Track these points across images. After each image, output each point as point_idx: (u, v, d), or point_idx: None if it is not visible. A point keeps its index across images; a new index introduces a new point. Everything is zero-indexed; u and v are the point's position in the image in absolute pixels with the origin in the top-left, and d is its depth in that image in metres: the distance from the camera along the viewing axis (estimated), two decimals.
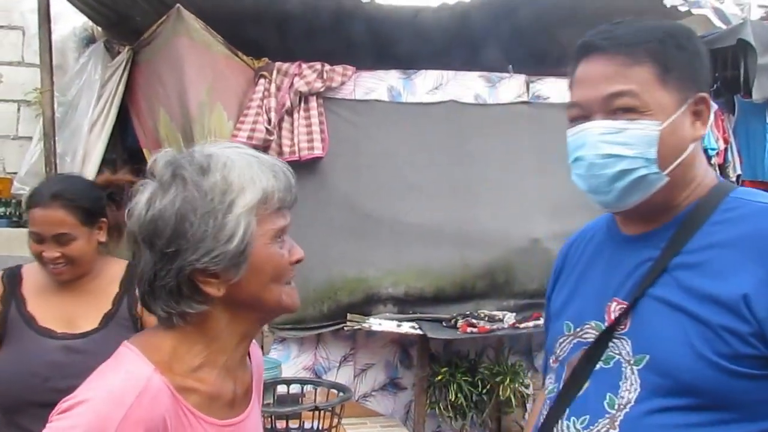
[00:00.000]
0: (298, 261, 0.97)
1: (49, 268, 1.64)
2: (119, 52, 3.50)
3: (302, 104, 3.28)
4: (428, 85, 3.49)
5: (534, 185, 3.49)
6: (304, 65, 3.33)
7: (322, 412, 2.37)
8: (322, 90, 3.30)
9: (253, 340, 1.10)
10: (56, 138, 3.35)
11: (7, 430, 1.61)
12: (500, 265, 3.34)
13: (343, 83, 3.37)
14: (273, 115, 3.21)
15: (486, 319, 3.10)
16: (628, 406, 0.93)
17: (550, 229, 3.34)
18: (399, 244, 3.29)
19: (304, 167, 3.25)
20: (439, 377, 3.15)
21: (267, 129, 3.18)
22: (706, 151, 3.80)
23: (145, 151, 3.49)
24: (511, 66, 3.61)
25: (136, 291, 1.61)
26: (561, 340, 1.08)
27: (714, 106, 3.80)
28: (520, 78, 3.60)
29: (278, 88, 3.27)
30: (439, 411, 3.18)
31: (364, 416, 3.12)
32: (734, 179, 4.00)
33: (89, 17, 3.72)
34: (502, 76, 3.59)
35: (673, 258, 0.94)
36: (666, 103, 0.95)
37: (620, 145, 0.95)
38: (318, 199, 3.29)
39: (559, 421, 1.02)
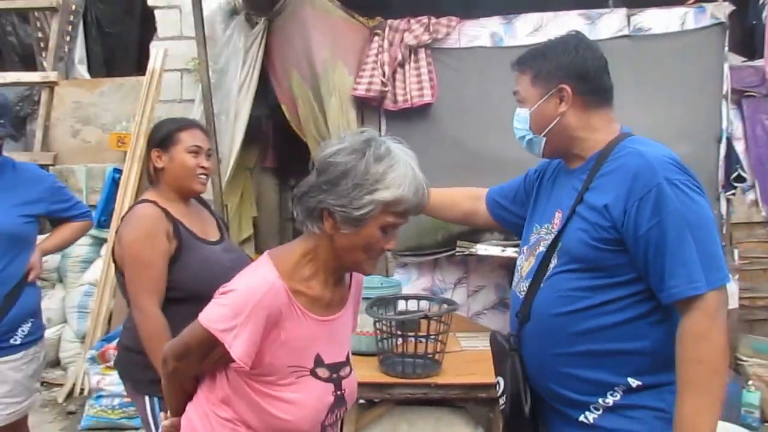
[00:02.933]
0: (388, 249, 1.37)
1: (199, 180, 2.08)
2: (257, 23, 4.05)
3: (412, 56, 3.65)
4: (528, 28, 3.68)
5: (636, 118, 3.57)
6: (412, 20, 3.69)
7: (434, 322, 2.80)
8: (429, 42, 3.64)
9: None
10: (212, 100, 4.00)
11: None
12: None
13: (448, 34, 3.67)
14: (386, 68, 3.62)
15: None
16: (550, 269, 1.51)
17: None
18: (501, 178, 3.51)
19: (416, 113, 3.66)
20: None
21: (382, 81, 3.60)
22: None
23: (283, 106, 4.05)
24: (611, 0, 3.69)
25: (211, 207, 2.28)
26: (531, 236, 1.64)
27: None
28: (621, 12, 3.66)
29: (390, 44, 3.66)
30: None
31: (476, 331, 3.51)
32: None
33: None
34: (602, 12, 3.67)
35: (588, 185, 1.47)
36: (534, 95, 1.55)
37: (518, 122, 1.61)
38: (429, 139, 3.66)
39: (520, 282, 1.61)
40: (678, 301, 1.35)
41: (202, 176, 2.10)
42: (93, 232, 4.49)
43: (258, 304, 1.28)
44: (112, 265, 4.02)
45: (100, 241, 4.55)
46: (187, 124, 2.12)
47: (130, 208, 2.09)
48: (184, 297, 1.96)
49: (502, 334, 1.63)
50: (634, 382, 1.42)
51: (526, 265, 1.61)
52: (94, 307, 4.17)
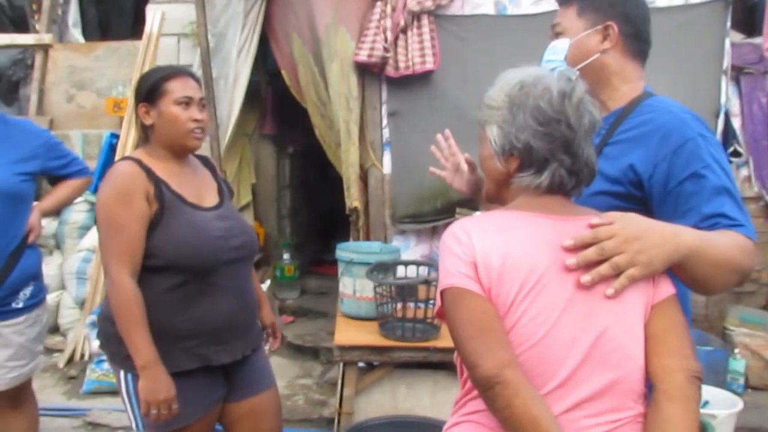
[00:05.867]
0: None
1: (193, 135, 1.85)
2: None
3: (415, 22, 3.63)
4: None
5: None
6: None
7: (434, 288, 2.83)
8: (432, 8, 3.62)
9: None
10: (211, 65, 3.96)
11: (206, 289, 1.82)
12: None
13: (451, 1, 3.65)
14: (389, 34, 3.60)
15: None
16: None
17: None
18: None
19: (417, 80, 3.64)
20: None
21: (384, 47, 3.58)
22: None
23: (282, 72, 4.03)
24: None
25: (218, 171, 2.10)
26: None
27: None
28: None
29: (393, 9, 3.64)
30: None
31: None
32: None
33: None
34: None
35: (608, 140, 1.46)
36: (577, 28, 1.51)
37: (551, 53, 1.55)
38: (431, 107, 3.67)
39: None
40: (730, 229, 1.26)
41: (197, 130, 1.86)
42: (91, 198, 4.46)
43: None
44: None
45: None
46: (174, 72, 1.87)
47: (111, 165, 1.89)
48: (165, 266, 1.78)
49: None
50: None
51: None
52: (92, 272, 4.16)
